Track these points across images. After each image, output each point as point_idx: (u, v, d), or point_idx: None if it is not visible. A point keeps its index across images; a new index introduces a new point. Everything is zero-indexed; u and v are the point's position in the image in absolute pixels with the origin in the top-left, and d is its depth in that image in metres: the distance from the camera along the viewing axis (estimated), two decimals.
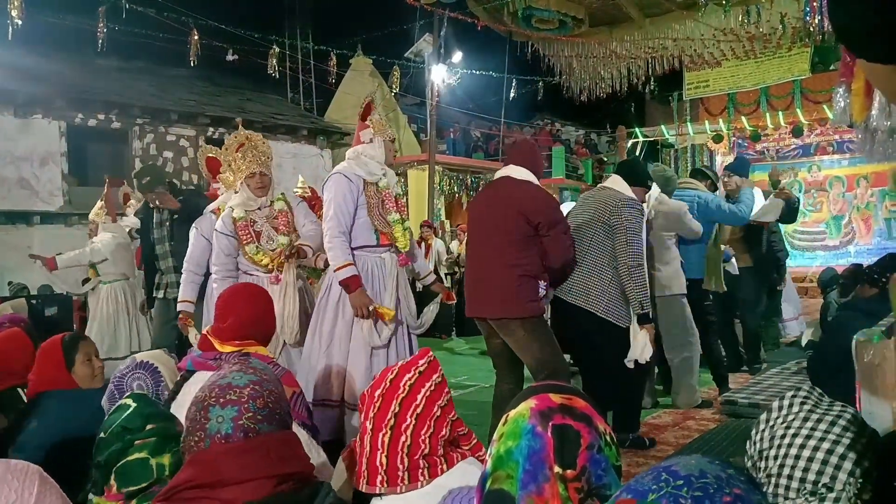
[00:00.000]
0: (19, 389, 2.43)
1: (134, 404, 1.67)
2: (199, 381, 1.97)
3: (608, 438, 0.99)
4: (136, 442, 1.55)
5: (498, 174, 3.48)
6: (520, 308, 3.19)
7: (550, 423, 0.97)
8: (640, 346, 3.54)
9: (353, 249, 3.20)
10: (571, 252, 3.43)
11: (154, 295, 4.92)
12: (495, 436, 1.04)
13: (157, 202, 4.80)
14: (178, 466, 1.45)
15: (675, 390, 4.43)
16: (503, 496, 0.96)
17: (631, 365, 3.61)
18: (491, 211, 3.35)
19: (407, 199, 11.07)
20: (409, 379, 1.48)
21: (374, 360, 3.15)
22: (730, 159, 14.07)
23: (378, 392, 1.48)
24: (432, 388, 1.48)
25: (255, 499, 1.13)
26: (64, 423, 2.00)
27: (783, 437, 1.28)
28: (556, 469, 0.94)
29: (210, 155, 4.32)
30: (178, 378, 2.14)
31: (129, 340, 5.70)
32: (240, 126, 3.62)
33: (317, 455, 1.88)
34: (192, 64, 8.85)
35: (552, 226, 3.23)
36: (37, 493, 1.22)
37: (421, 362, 1.52)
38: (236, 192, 3.58)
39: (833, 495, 1.16)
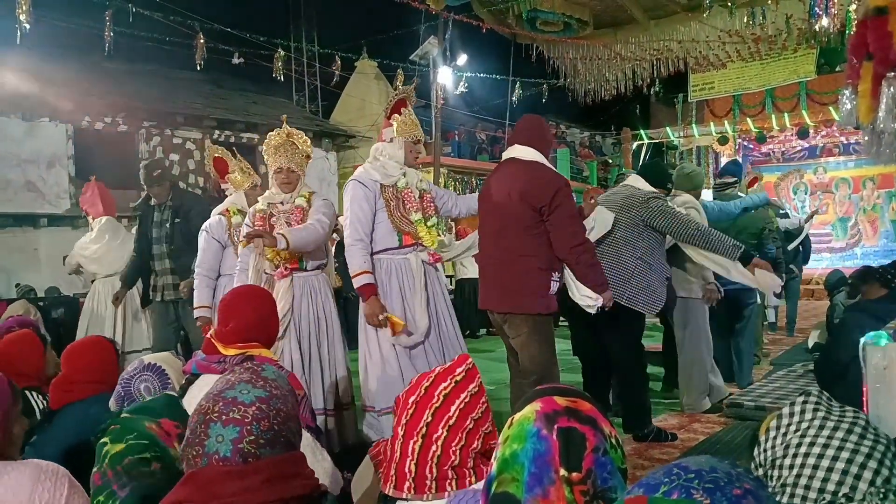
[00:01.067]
0: (27, 391, 2.43)
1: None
2: (203, 384, 1.97)
3: (613, 441, 0.99)
4: (123, 414, 1.60)
5: (504, 155, 3.31)
6: (527, 303, 3.05)
7: (556, 426, 0.97)
8: (768, 282, 3.63)
9: (377, 253, 3.19)
10: (577, 238, 3.08)
11: (151, 297, 4.70)
12: (500, 439, 1.04)
13: (157, 198, 4.64)
14: (122, 458, 1.49)
15: (684, 392, 4.42)
16: (509, 499, 0.96)
17: (777, 302, 3.65)
18: (497, 197, 3.15)
19: None
20: (445, 388, 1.45)
21: (418, 362, 3.14)
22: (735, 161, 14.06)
23: (412, 399, 1.46)
24: (467, 399, 1.45)
25: None
26: (83, 428, 2.01)
27: (798, 445, 1.25)
28: (562, 472, 0.94)
29: (217, 155, 4.30)
30: (184, 381, 2.14)
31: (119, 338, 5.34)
32: (283, 123, 3.53)
33: (322, 458, 1.87)
34: (198, 67, 8.88)
35: (554, 209, 2.99)
36: (67, 494, 1.27)
37: (458, 370, 1.49)
38: (251, 191, 3.55)
39: None
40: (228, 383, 1.16)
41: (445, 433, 1.41)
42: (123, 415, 1.63)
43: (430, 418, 1.42)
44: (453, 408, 1.43)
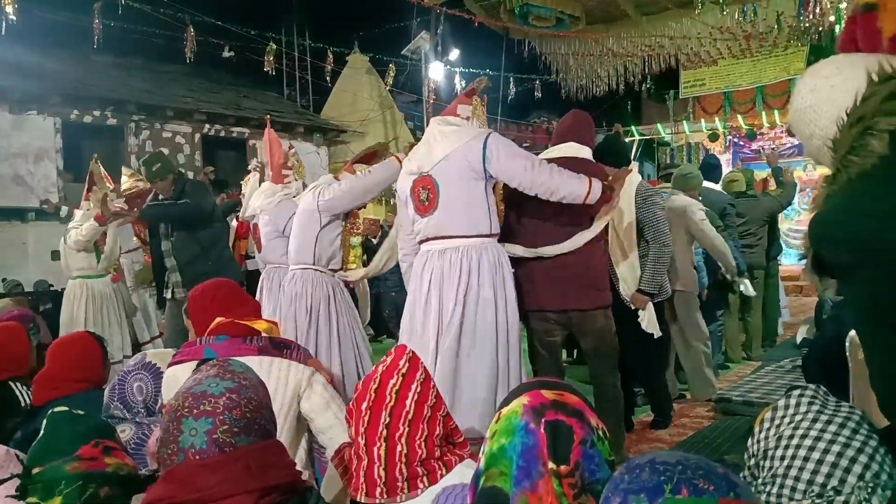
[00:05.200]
0: (10, 383, 2.42)
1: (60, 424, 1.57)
2: None
3: (601, 433, 0.99)
4: (34, 470, 1.47)
5: (557, 153, 3.11)
6: (603, 297, 3.10)
7: (543, 420, 0.97)
8: None
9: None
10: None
11: (164, 296, 4.62)
12: (488, 433, 1.04)
13: (162, 193, 4.50)
14: None
15: (691, 381, 4.49)
16: (497, 493, 0.96)
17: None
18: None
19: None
20: (394, 385, 1.45)
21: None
22: (726, 158, 14.12)
23: (364, 405, 1.45)
24: (419, 389, 1.45)
25: None
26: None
27: (791, 437, 1.26)
28: (550, 465, 0.94)
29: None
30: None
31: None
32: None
33: (341, 427, 1.86)
34: (188, 60, 8.84)
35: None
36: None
37: (401, 363, 1.49)
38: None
39: (841, 499, 1.15)
40: (196, 381, 1.16)
41: (407, 428, 1.41)
42: (35, 469, 1.47)
43: (387, 419, 1.42)
44: (408, 402, 1.43)
